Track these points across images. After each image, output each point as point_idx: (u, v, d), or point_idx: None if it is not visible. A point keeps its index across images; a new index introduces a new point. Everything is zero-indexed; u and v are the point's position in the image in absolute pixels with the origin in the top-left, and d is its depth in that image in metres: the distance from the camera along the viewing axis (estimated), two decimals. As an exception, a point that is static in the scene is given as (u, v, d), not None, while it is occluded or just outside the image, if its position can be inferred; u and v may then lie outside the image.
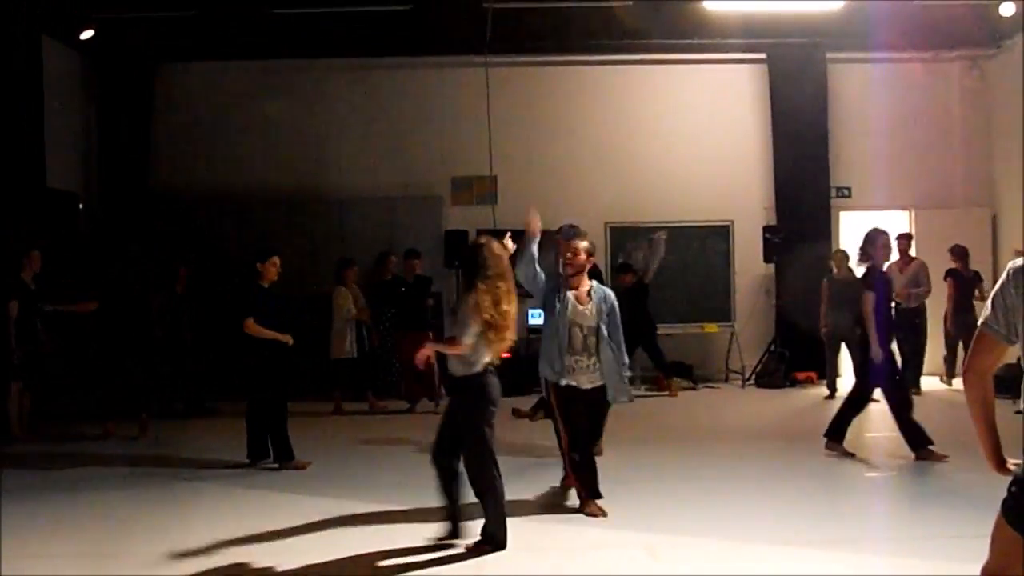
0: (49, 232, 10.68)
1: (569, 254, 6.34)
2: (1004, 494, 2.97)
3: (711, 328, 13.32)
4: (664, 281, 13.05)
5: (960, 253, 12.06)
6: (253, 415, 8.06)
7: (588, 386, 6.34)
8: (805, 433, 9.55)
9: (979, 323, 3.07)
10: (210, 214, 12.82)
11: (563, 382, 6.30)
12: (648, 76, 13.82)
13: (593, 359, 6.30)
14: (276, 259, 8.06)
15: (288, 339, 8.00)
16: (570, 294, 6.33)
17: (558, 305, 6.31)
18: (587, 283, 6.44)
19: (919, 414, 8.21)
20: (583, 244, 6.37)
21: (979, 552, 3.11)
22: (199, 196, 13.06)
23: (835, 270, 11.70)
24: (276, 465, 7.94)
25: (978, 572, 3.10)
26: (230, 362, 8.91)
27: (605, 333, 6.32)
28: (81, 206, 12.59)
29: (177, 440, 9.31)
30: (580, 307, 6.30)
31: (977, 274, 12.03)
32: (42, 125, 11.21)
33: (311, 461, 8.01)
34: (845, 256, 11.71)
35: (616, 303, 6.48)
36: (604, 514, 6.09)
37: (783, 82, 13.60)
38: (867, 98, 13.69)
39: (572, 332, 6.28)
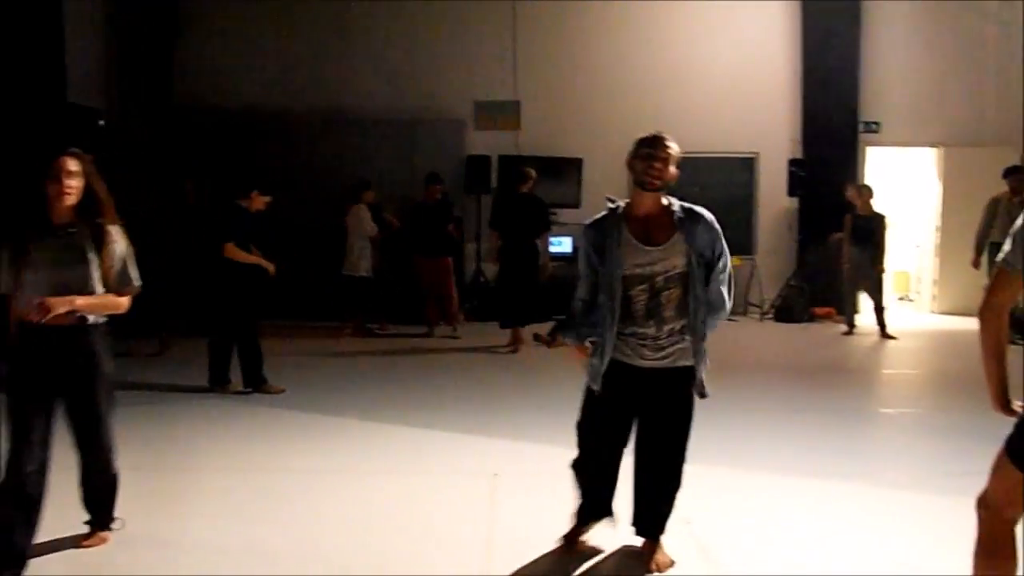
0: (69, 147, 10.65)
1: (657, 164, 3.94)
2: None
3: (732, 260, 13.21)
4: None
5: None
6: (221, 340, 7.88)
7: (649, 364, 4.02)
8: (821, 368, 9.60)
9: (998, 259, 3.05)
10: (232, 133, 12.75)
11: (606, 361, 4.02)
12: (677, 7, 13.53)
13: (668, 328, 3.99)
14: (255, 194, 7.83)
15: (270, 266, 7.77)
16: (626, 229, 3.99)
17: (607, 255, 3.98)
18: (661, 203, 4.03)
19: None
20: (674, 149, 4.02)
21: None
22: (221, 114, 12.98)
23: (859, 205, 11.56)
24: (249, 390, 7.81)
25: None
26: (201, 285, 8.47)
27: (698, 284, 3.98)
28: (102, 122, 12.55)
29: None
30: (647, 247, 3.96)
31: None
32: (62, 39, 11.10)
33: (285, 388, 7.88)
34: (870, 191, 11.58)
35: (718, 230, 4.11)
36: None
37: (815, 15, 13.29)
38: (900, 33, 13.41)
39: (631, 292, 3.96)
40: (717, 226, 4.09)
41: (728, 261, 4.12)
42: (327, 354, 10.05)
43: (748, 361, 9.94)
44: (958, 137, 13.44)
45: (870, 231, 11.27)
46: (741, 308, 13.36)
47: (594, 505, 4.29)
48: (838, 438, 6.67)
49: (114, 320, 4.23)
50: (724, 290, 4.09)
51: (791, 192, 12.99)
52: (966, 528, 3.23)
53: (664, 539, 4.23)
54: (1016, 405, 3.01)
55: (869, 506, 5.10)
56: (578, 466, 4.26)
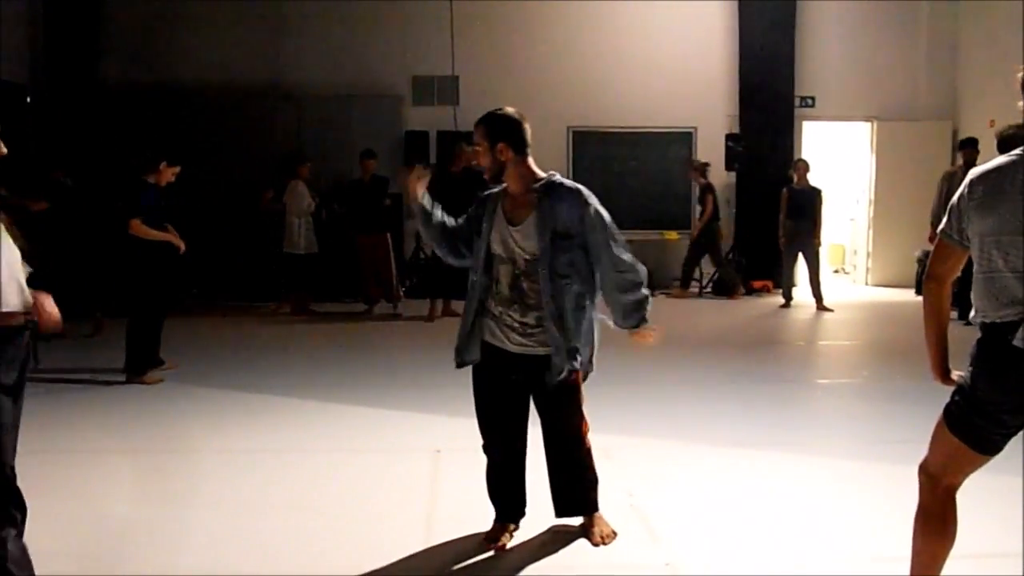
0: (-5, 126, 10.36)
1: (478, 148, 3.89)
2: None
3: (671, 236, 13.34)
4: (625, 187, 13.04)
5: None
6: (136, 325, 7.46)
7: (516, 350, 3.88)
8: (759, 340, 9.72)
9: (938, 230, 3.09)
10: (162, 109, 12.48)
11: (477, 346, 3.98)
12: (615, -23, 13.54)
13: (532, 314, 3.82)
14: (164, 164, 7.47)
15: (179, 242, 7.42)
16: (500, 206, 3.91)
17: (481, 230, 3.93)
18: (527, 180, 3.87)
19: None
20: (484, 131, 3.87)
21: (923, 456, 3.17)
22: (150, 91, 12.71)
23: (795, 179, 11.69)
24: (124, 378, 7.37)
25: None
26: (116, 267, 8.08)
27: (548, 270, 3.76)
28: (29, 99, 12.20)
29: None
30: (509, 227, 3.85)
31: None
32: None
33: (162, 379, 7.43)
34: (806, 165, 11.72)
35: (595, 205, 3.83)
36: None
37: (751, -12, 13.40)
38: (835, 8, 13.58)
39: (497, 269, 3.89)
40: (591, 199, 3.82)
41: (614, 232, 3.85)
42: (267, 334, 9.93)
43: (687, 335, 10.01)
44: (891, 111, 13.66)
45: (807, 204, 11.42)
46: (679, 283, 13.46)
47: (505, 503, 4.14)
48: (777, 409, 6.75)
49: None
50: (623, 255, 3.86)
51: (728, 166, 13.10)
52: (906, 495, 3.28)
53: (603, 512, 4.24)
54: (955, 375, 3.05)
55: (810, 475, 5.17)
56: (486, 451, 4.13)
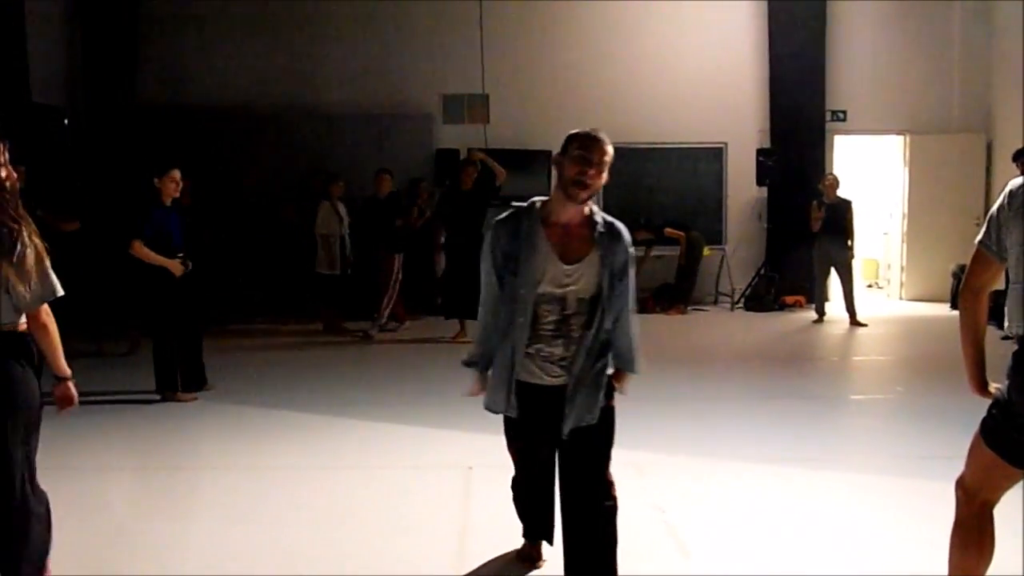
0: (34, 148, 10.51)
1: (591, 171, 3.39)
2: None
3: (704, 251, 13.28)
4: (656, 203, 13.05)
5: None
6: (160, 344, 7.39)
7: (554, 382, 3.52)
8: (792, 356, 9.66)
9: (976, 241, 3.06)
10: (195, 130, 12.62)
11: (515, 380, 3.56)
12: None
13: (573, 348, 3.50)
14: (175, 173, 7.31)
15: (175, 267, 7.19)
16: (544, 238, 3.47)
17: (519, 263, 3.47)
18: (584, 212, 3.53)
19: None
20: (610, 153, 3.46)
21: (960, 472, 3.14)
22: (185, 111, 12.86)
23: (825, 194, 11.61)
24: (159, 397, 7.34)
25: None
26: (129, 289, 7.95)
27: (605, 309, 3.50)
28: (67, 121, 12.39)
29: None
30: (563, 265, 3.45)
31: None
32: (24, 38, 10.97)
33: (196, 397, 7.43)
34: (835, 180, 11.63)
35: (632, 252, 3.58)
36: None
37: (781, 4, 13.36)
38: (866, 21, 13.50)
39: (541, 308, 3.48)
40: (632, 250, 3.57)
41: (634, 296, 3.61)
42: (297, 352, 9.99)
43: (719, 350, 9.99)
44: (924, 125, 13.55)
45: (839, 218, 11.34)
46: (712, 298, 13.42)
47: (535, 527, 4.06)
48: (810, 425, 6.70)
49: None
50: (632, 338, 3.60)
51: (760, 181, 13.04)
52: (943, 512, 3.24)
53: (635, 528, 4.20)
54: (993, 387, 3.02)
55: (843, 492, 5.12)
56: (516, 486, 4.00)
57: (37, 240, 3.35)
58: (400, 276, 10.75)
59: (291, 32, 13.26)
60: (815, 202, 11.59)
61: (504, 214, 3.58)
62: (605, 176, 3.43)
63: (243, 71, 13.13)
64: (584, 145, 3.40)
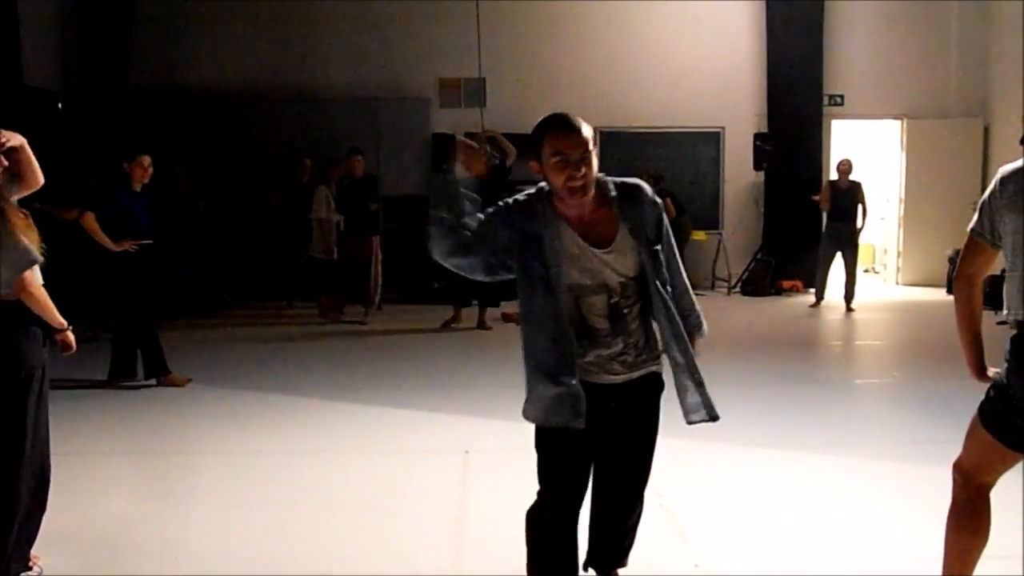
0: (27, 132, 10.46)
1: (578, 173, 2.91)
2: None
3: (699, 235, 13.28)
4: (653, 187, 13.01)
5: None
6: (119, 333, 7.38)
7: (621, 379, 3.13)
8: (792, 340, 9.67)
9: (969, 229, 3.06)
10: (190, 114, 12.59)
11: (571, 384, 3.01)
12: (641, -22, 13.51)
13: (633, 339, 3.11)
14: (144, 159, 7.19)
15: (109, 244, 6.98)
16: (566, 227, 3.02)
17: (545, 255, 3.00)
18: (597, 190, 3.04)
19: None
20: (588, 134, 2.94)
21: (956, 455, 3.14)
22: (179, 96, 12.81)
23: (838, 178, 11.53)
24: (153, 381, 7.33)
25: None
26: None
27: (658, 284, 3.08)
28: (60, 105, 12.33)
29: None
30: (595, 251, 3.02)
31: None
32: (17, 19, 10.89)
33: (191, 377, 7.45)
34: (849, 164, 11.52)
35: (660, 205, 3.22)
36: None
37: (779, -13, 13.33)
38: (864, 5, 13.47)
39: (584, 303, 3.04)
40: (659, 201, 3.20)
41: (675, 250, 3.26)
42: (291, 337, 9.98)
43: (717, 334, 9.90)
44: (922, 109, 13.54)
45: (850, 203, 11.26)
46: (709, 283, 13.42)
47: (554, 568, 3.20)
48: (806, 409, 6.71)
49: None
50: (690, 292, 3.32)
51: (757, 166, 13.03)
52: (939, 496, 3.25)
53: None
54: (992, 372, 3.02)
55: (840, 476, 5.13)
56: (537, 517, 3.19)
57: (13, 213, 3.51)
58: (381, 257, 10.70)
59: (285, 16, 13.20)
60: (827, 183, 11.56)
61: (514, 198, 3.11)
62: (596, 161, 2.96)
63: (238, 55, 13.08)
64: (558, 147, 2.90)
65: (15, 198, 3.64)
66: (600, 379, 3.08)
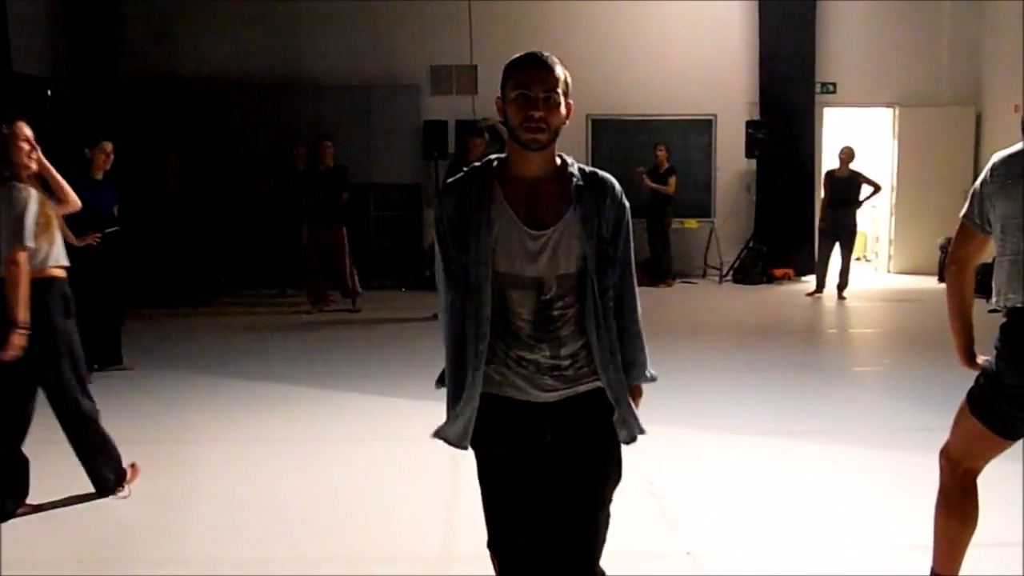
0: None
1: (537, 113, 2.50)
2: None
3: (691, 223, 13.28)
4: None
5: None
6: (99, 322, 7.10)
7: (553, 398, 2.58)
8: (785, 328, 9.68)
9: (960, 215, 3.06)
10: (181, 103, 12.52)
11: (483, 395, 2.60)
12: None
13: (566, 349, 2.57)
14: (106, 144, 7.11)
15: (73, 241, 6.44)
16: (502, 200, 2.54)
17: (469, 232, 2.53)
18: (554, 163, 2.60)
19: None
20: (560, 73, 2.58)
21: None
22: (170, 84, 12.74)
23: (837, 166, 11.53)
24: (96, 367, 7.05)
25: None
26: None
27: (597, 284, 2.54)
28: (50, 92, 12.26)
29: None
30: (530, 231, 2.53)
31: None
32: (4, 4, 10.81)
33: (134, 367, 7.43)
34: (850, 153, 11.48)
35: (627, 209, 2.65)
36: None
37: (771, -26, 13.30)
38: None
39: (509, 296, 2.55)
40: (627, 202, 2.65)
41: (633, 268, 2.68)
42: (281, 324, 9.97)
43: (709, 322, 9.99)
44: (914, 97, 13.54)
45: (849, 192, 11.25)
46: (700, 271, 13.42)
47: None
48: (797, 397, 6.72)
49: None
50: (637, 325, 2.68)
51: (749, 154, 13.01)
52: (928, 483, 3.25)
53: (626, 499, 4.17)
54: (980, 359, 3.03)
55: (831, 464, 5.14)
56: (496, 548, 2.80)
57: (18, 193, 4.07)
58: (348, 248, 10.50)
59: (276, 3, 13.12)
60: (825, 175, 11.57)
61: (454, 177, 2.67)
62: (564, 109, 2.53)
63: (229, 43, 12.99)
64: (522, 79, 2.55)
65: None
66: (529, 396, 2.57)
